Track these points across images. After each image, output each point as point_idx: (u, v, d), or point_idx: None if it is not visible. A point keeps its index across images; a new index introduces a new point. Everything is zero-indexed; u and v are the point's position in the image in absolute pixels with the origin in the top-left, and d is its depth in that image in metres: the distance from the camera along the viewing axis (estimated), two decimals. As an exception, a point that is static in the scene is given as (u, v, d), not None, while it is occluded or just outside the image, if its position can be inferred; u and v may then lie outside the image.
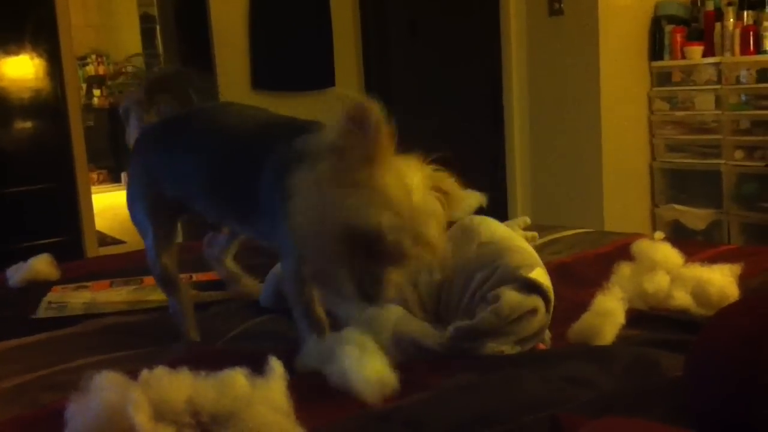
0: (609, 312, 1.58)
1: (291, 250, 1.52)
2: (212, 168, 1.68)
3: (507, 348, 1.52)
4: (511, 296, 1.53)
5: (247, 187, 1.59)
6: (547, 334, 1.63)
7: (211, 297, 2.05)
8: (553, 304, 1.60)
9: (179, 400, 1.17)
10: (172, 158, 1.75)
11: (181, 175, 1.73)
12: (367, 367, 1.34)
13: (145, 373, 1.22)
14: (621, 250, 2.11)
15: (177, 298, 1.82)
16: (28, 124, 4.29)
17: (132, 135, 1.89)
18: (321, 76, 5.01)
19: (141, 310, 2.05)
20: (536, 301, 1.55)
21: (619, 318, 1.58)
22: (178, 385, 1.20)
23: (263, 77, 4.78)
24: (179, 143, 1.75)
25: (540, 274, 1.60)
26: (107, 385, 1.19)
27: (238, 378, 1.22)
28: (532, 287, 1.56)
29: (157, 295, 2.12)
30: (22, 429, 1.33)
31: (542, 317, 1.56)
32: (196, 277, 2.28)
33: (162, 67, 2.00)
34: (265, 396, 1.21)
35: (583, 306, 1.64)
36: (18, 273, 2.38)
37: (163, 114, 1.89)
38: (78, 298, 2.18)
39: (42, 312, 2.07)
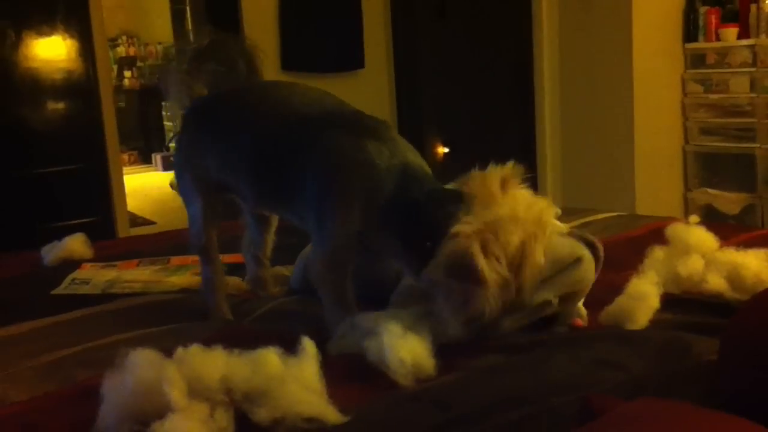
0: (643, 296, 1.57)
1: (326, 240, 1.56)
2: (259, 149, 1.68)
3: (552, 297, 1.54)
4: (561, 241, 1.54)
5: (292, 173, 1.61)
6: (583, 311, 1.62)
7: (233, 289, 2.02)
8: (601, 263, 1.62)
9: (213, 378, 1.19)
10: (219, 134, 1.76)
11: (226, 152, 1.74)
12: (405, 347, 1.34)
13: (179, 350, 1.23)
14: (653, 233, 2.09)
15: (212, 269, 1.85)
16: (60, 105, 4.32)
17: (173, 107, 1.89)
18: (350, 58, 5.00)
19: (159, 292, 2.05)
20: (584, 251, 1.58)
21: (654, 302, 1.57)
22: (212, 362, 1.21)
23: (293, 58, 4.78)
24: (227, 120, 1.75)
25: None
26: (142, 362, 1.20)
27: (271, 357, 1.23)
28: (583, 240, 1.60)
29: (178, 278, 2.14)
30: (58, 404, 1.35)
31: (586, 271, 1.57)
32: (224, 258, 2.29)
33: (207, 32, 1.92)
34: (297, 375, 1.22)
35: (615, 289, 1.63)
36: (53, 252, 2.42)
37: (211, 85, 1.88)
38: (103, 276, 2.20)
39: (62, 288, 2.11)
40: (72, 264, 2.33)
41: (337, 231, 1.55)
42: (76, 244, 2.44)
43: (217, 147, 1.76)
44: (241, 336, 1.54)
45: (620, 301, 1.58)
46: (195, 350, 1.23)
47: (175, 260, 2.32)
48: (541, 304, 1.52)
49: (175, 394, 1.14)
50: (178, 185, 1.86)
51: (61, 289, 2.10)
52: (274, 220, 1.94)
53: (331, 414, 1.20)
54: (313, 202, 1.57)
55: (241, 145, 1.71)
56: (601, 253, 1.63)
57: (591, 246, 1.62)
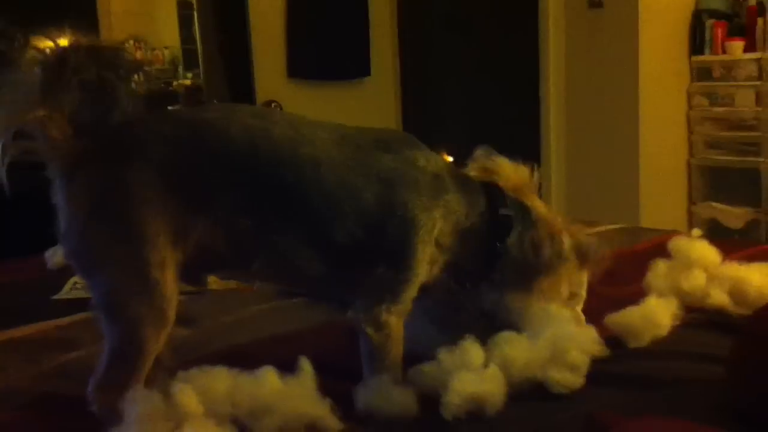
0: (655, 321, 1.54)
1: (402, 283, 1.35)
2: (297, 198, 1.31)
3: None
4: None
5: (342, 219, 1.33)
6: (582, 317, 1.60)
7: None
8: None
9: (219, 393, 1.21)
10: (224, 181, 1.28)
11: (241, 202, 1.29)
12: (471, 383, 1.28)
13: (181, 373, 1.25)
14: (657, 247, 2.09)
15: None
16: (68, 109, 4.33)
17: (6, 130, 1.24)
18: (356, 66, 5.01)
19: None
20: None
21: (662, 331, 1.55)
22: (216, 380, 1.23)
23: (299, 66, 4.79)
24: (221, 159, 1.29)
25: None
26: (140, 399, 1.19)
27: (271, 375, 1.25)
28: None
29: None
30: (66, 407, 1.36)
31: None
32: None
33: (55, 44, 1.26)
34: (297, 390, 1.24)
35: (617, 302, 1.62)
36: (57, 255, 2.41)
37: (82, 116, 1.26)
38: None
39: (64, 293, 2.11)
40: (76, 267, 2.33)
41: (418, 268, 1.36)
42: (80, 247, 2.45)
43: (225, 196, 1.29)
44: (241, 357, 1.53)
45: (630, 316, 1.56)
46: (199, 371, 1.25)
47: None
48: None
49: (190, 402, 1.16)
50: (97, 253, 1.25)
51: (62, 294, 2.10)
52: None
53: (333, 421, 1.21)
54: (389, 246, 1.34)
55: (266, 191, 1.30)
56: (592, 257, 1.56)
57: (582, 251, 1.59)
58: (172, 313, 1.26)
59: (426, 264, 1.37)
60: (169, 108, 1.59)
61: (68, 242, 1.26)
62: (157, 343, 1.26)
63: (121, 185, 1.24)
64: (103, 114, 1.27)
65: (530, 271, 1.45)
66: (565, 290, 1.52)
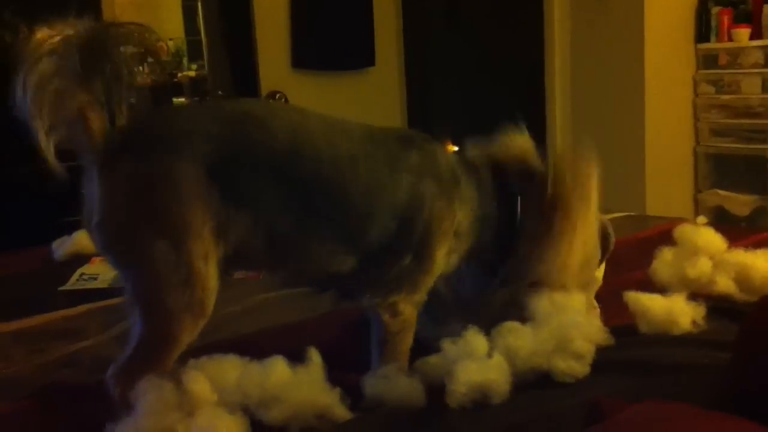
0: (675, 317, 1.54)
1: (423, 276, 1.38)
2: (322, 196, 1.29)
3: None
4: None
5: (371, 214, 1.32)
6: (595, 303, 1.60)
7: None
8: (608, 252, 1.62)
9: (229, 383, 1.21)
10: (258, 181, 1.26)
11: (268, 203, 1.26)
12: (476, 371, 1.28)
13: (191, 360, 1.25)
14: (663, 234, 2.09)
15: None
16: (72, 100, 4.33)
17: (42, 139, 1.30)
18: (361, 56, 5.00)
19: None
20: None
21: (674, 330, 1.54)
22: (226, 369, 1.24)
23: (303, 56, 4.79)
24: (265, 158, 1.26)
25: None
26: (149, 389, 1.19)
27: (280, 364, 1.25)
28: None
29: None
30: (72, 396, 1.36)
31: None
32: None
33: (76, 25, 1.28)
34: (306, 379, 1.24)
35: (621, 290, 1.62)
36: (63, 247, 2.43)
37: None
38: (111, 270, 2.20)
39: (71, 284, 2.11)
40: (82, 258, 2.34)
41: (438, 259, 1.38)
42: (86, 238, 2.45)
43: (255, 198, 1.26)
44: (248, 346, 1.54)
45: (653, 304, 1.54)
46: (209, 359, 1.25)
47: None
48: None
49: (202, 390, 1.16)
50: (138, 244, 1.22)
51: (69, 286, 2.11)
52: None
53: (342, 410, 1.22)
54: (415, 238, 1.34)
55: (293, 190, 1.27)
56: (611, 245, 1.62)
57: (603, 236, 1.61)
58: (210, 307, 1.24)
59: (445, 255, 1.40)
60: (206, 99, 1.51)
61: (104, 233, 1.24)
62: (192, 335, 1.24)
63: (167, 177, 1.21)
64: (134, 100, 1.26)
65: (546, 237, 1.46)
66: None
